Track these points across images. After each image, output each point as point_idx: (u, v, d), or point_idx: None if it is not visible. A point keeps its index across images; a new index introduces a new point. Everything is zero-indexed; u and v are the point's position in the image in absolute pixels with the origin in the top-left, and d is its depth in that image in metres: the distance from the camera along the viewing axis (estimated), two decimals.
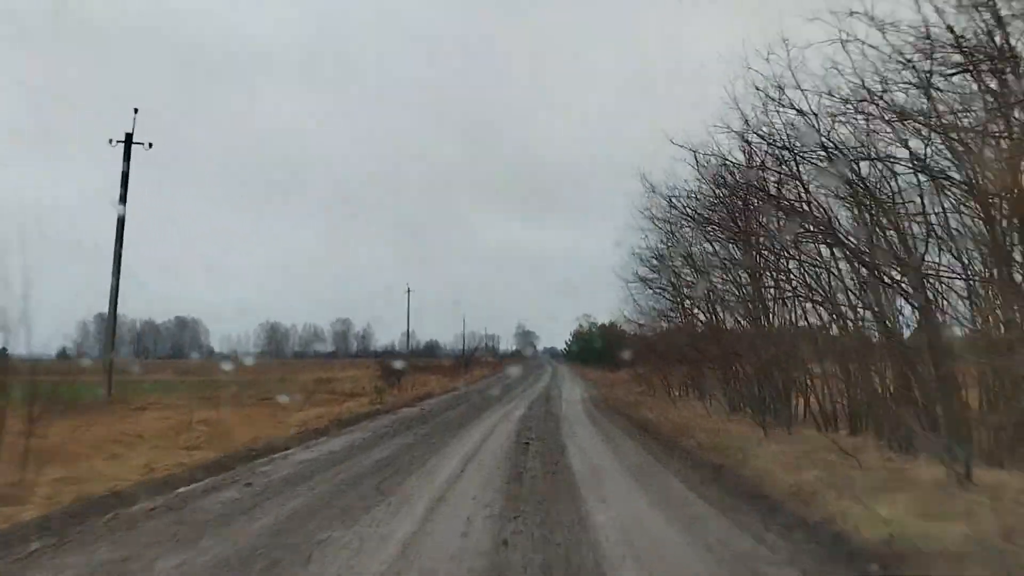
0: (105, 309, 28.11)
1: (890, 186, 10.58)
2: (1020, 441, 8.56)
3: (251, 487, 8.98)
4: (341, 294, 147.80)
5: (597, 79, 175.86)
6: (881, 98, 9.17)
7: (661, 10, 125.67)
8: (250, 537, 6.29)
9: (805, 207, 12.26)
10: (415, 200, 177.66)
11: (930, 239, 9.77)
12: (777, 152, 12.17)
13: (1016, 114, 8.10)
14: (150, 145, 28.13)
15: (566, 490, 8.47)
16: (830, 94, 9.81)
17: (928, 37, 8.24)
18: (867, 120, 9.84)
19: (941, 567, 5.01)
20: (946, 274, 9.95)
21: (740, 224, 15.27)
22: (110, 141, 27.56)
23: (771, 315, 16.59)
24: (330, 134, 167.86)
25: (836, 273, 12.58)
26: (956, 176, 9.10)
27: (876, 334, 11.98)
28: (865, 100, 9.35)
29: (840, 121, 10.18)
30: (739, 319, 18.47)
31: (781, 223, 13.32)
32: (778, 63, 10.22)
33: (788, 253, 13.76)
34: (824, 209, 12.26)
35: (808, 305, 14.68)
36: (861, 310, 11.97)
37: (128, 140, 28.05)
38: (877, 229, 10.76)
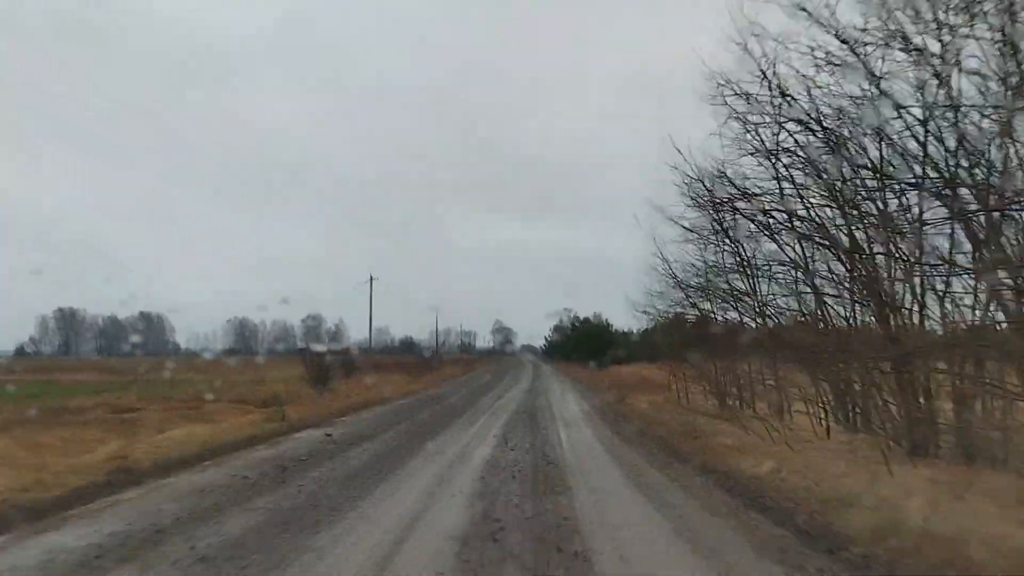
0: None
1: None
2: None
3: None
4: (319, 292, 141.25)
5: (593, 77, 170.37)
6: None
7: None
8: None
9: None
10: (396, 199, 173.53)
11: None
12: None
13: None
14: None
15: None
16: None
17: None
18: None
19: None
20: None
21: None
22: None
23: None
24: (319, 133, 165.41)
25: None
26: None
27: None
28: None
29: None
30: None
31: None
32: None
33: None
34: None
35: None
36: None
37: None
38: None
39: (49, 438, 14.50)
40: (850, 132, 8.63)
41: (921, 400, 9.35)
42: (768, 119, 9.68)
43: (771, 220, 11.17)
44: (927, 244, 8.26)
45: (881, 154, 8.54)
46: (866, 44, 7.87)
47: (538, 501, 7.32)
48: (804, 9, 8.19)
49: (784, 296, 13.80)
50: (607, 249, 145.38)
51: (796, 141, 9.71)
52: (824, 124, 8.96)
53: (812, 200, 9.97)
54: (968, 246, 7.92)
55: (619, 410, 19.32)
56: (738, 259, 14.34)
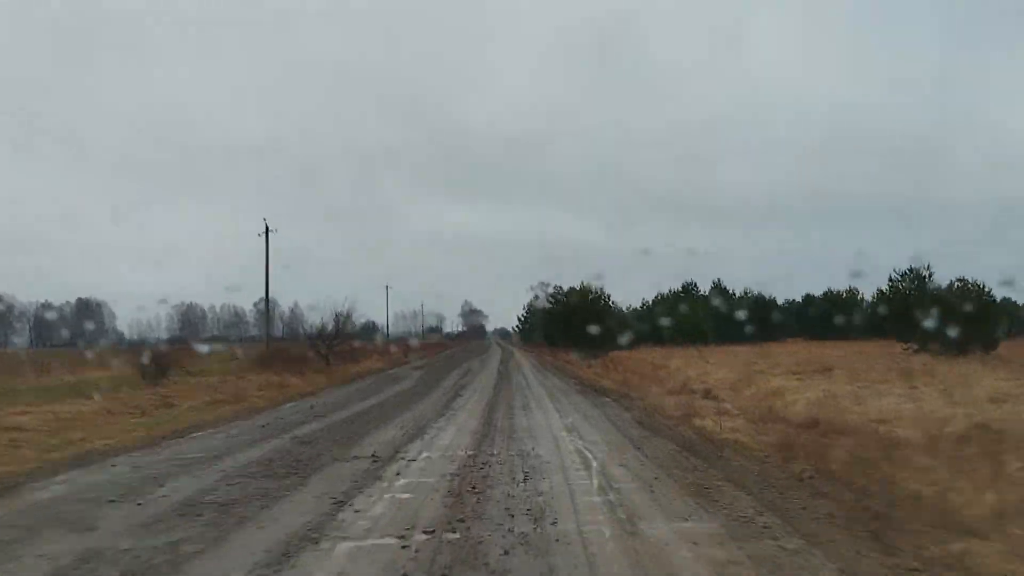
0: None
1: None
2: None
3: None
4: (281, 277, 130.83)
5: (531, 49, 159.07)
6: None
7: None
8: None
9: None
10: (365, 183, 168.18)
11: None
12: None
13: None
14: None
15: None
16: None
17: None
18: None
19: None
20: None
21: None
22: None
23: None
24: (256, 113, 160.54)
25: None
26: None
27: None
28: None
29: None
30: None
31: None
32: None
33: None
34: None
35: None
36: None
37: None
38: None
39: None
40: None
41: None
42: None
43: None
44: None
45: None
46: None
47: None
48: None
49: None
50: (581, 231, 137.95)
51: None
52: None
53: None
54: None
55: None
56: None
